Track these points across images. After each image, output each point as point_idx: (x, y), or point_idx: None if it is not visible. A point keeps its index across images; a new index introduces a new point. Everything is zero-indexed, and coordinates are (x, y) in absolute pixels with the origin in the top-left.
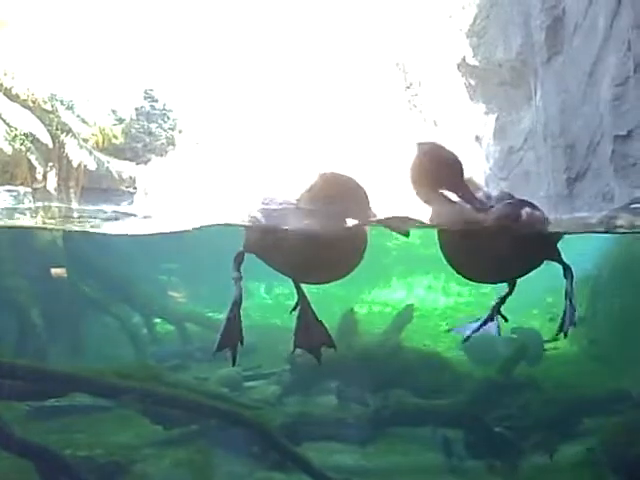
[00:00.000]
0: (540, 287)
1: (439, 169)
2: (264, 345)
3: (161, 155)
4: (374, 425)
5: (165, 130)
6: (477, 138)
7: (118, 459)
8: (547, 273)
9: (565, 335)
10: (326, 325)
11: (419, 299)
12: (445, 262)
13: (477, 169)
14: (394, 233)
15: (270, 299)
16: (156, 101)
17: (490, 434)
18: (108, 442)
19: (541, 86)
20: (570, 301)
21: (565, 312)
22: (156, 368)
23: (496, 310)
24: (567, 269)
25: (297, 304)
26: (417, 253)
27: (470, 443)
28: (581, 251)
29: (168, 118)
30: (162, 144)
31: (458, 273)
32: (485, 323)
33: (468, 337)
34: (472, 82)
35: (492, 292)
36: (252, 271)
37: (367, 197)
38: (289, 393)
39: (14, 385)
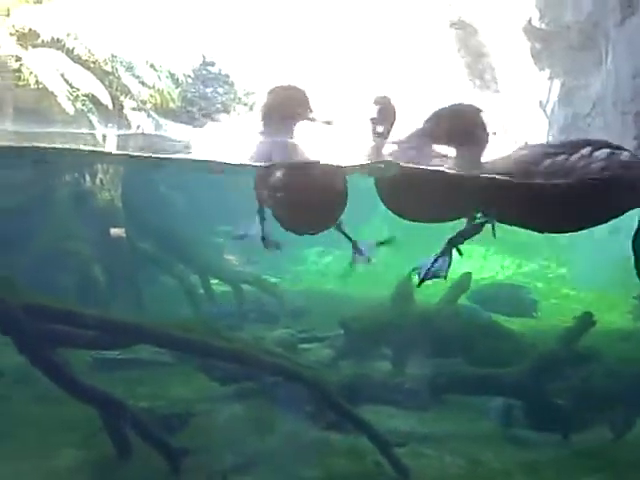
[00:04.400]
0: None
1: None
2: (317, 309)
3: (216, 120)
4: (430, 392)
5: (220, 95)
6: (541, 104)
7: (178, 412)
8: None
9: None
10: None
11: (475, 269)
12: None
13: (541, 136)
14: None
15: (323, 265)
16: (212, 65)
17: (550, 405)
18: (168, 395)
19: (612, 49)
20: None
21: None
22: (216, 324)
23: (450, 247)
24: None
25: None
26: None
27: (529, 414)
28: None
29: (224, 82)
30: (217, 108)
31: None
32: (436, 260)
33: (422, 281)
34: (537, 46)
35: (552, 263)
36: (305, 237)
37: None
38: (343, 357)
39: (81, 334)
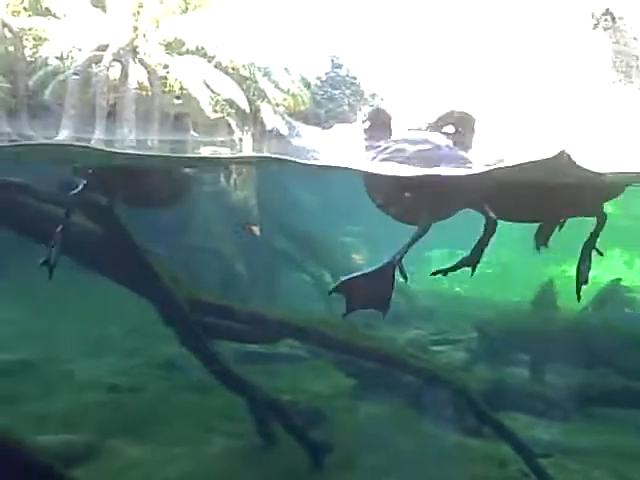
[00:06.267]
0: None
1: None
2: (447, 311)
3: (343, 121)
4: (578, 403)
5: (347, 96)
6: None
7: (317, 406)
8: None
9: None
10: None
11: (618, 274)
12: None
13: None
14: None
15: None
16: (340, 67)
17: None
18: (306, 390)
19: None
20: None
21: None
22: (355, 323)
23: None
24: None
25: None
26: (615, 224)
27: None
28: None
29: (351, 84)
30: (344, 110)
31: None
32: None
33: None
34: None
35: None
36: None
37: None
38: (478, 361)
39: (236, 327)
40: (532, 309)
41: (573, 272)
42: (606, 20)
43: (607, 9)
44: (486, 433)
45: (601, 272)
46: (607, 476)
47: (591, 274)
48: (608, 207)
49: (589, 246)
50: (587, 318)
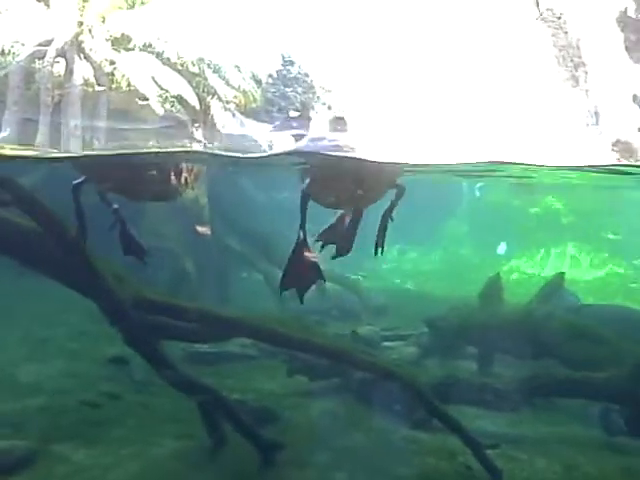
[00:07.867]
0: None
1: None
2: (398, 307)
3: (295, 118)
4: (524, 394)
5: (300, 94)
6: (635, 98)
7: (268, 405)
8: None
9: None
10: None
11: (563, 268)
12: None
13: (635, 131)
14: None
15: (401, 262)
16: (292, 64)
17: None
18: (257, 389)
19: None
20: None
21: None
22: (306, 321)
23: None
24: None
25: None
26: (561, 220)
27: (628, 419)
28: None
29: (303, 82)
30: (296, 107)
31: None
32: None
33: None
34: (632, 37)
35: None
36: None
37: None
38: (428, 355)
39: (184, 326)
40: (480, 303)
41: (523, 267)
42: (548, 19)
43: (548, 9)
44: (435, 426)
45: (547, 266)
46: (553, 464)
47: (537, 268)
48: (557, 204)
49: (387, 214)
50: (531, 311)
